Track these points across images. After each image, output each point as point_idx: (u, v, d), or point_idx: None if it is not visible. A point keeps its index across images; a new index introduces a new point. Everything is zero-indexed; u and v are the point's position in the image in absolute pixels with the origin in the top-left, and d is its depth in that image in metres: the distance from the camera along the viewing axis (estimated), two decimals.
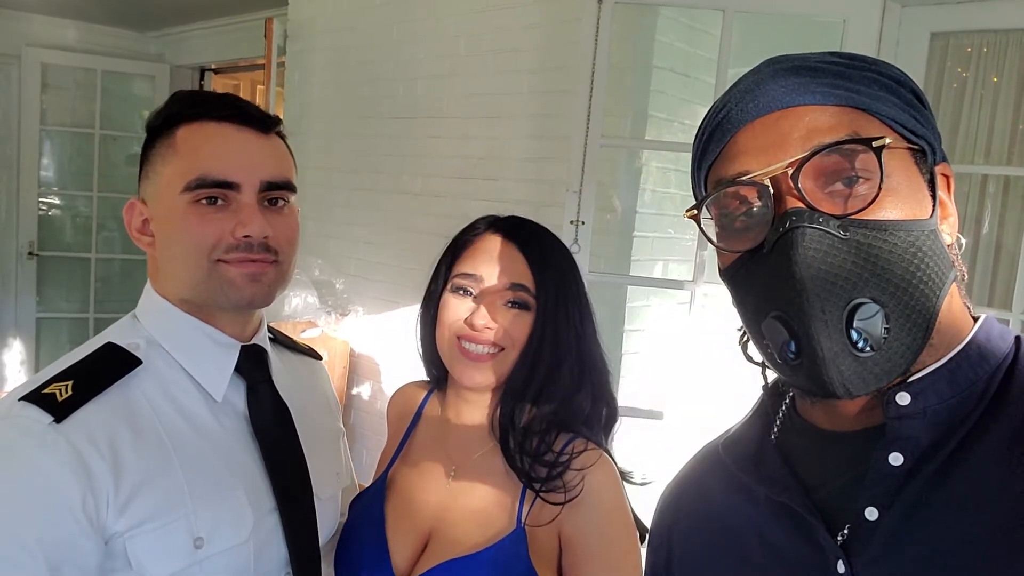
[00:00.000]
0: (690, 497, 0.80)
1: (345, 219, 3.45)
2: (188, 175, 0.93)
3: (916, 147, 0.63)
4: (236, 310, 0.98)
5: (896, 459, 0.59)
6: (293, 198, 1.02)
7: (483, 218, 1.15)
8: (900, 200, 0.60)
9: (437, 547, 1.07)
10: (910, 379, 0.60)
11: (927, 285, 0.59)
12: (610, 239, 2.57)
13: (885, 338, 0.57)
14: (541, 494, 1.03)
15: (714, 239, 0.67)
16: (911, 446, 0.59)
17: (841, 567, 0.60)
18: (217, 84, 5.70)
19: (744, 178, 0.61)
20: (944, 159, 0.66)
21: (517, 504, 1.05)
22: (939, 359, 0.61)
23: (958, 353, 0.61)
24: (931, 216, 0.61)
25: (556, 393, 1.08)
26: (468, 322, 1.06)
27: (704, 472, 0.80)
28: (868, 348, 0.57)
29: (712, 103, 0.70)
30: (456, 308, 1.08)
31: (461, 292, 1.09)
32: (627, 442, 2.70)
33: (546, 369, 1.07)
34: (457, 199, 2.97)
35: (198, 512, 0.90)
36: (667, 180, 2.63)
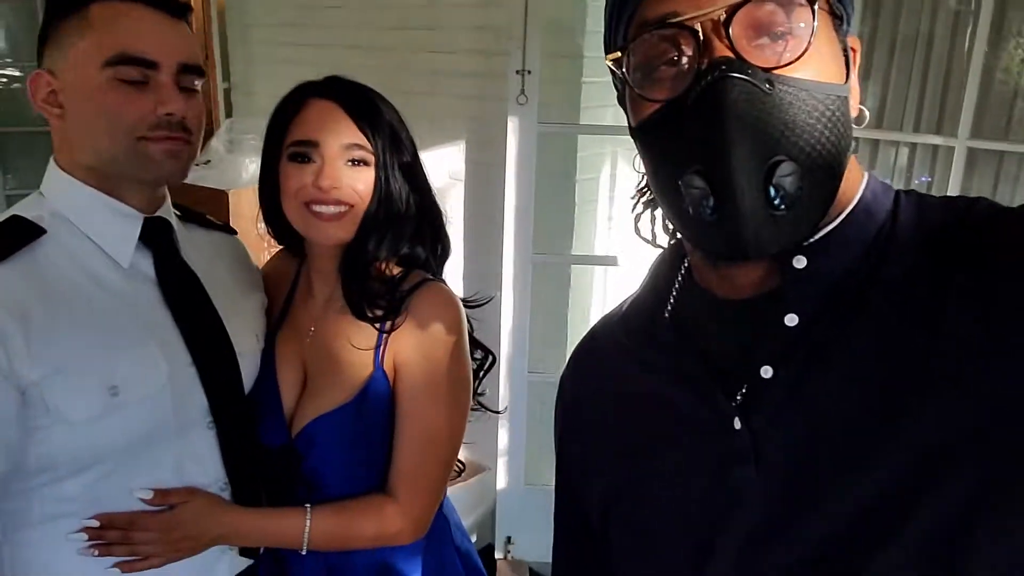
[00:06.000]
0: (591, 368, 0.82)
1: (293, 77, 3.31)
2: (107, 51, 0.96)
3: (836, 14, 0.62)
4: (154, 185, 1.05)
5: (791, 319, 0.61)
6: (199, 83, 1.07)
7: (301, 85, 1.17)
8: (823, 62, 0.60)
9: (308, 399, 1.19)
10: (805, 242, 0.61)
11: (838, 149, 0.59)
12: (558, 88, 2.51)
13: (799, 197, 0.58)
14: (382, 328, 1.13)
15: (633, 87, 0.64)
16: (806, 307, 0.61)
17: (737, 424, 0.62)
18: None
19: (673, 20, 0.59)
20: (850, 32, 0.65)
21: (375, 348, 1.15)
22: (831, 221, 0.62)
23: (848, 214, 0.62)
24: (846, 83, 0.61)
25: (399, 241, 1.17)
26: (315, 185, 1.11)
27: (603, 343, 0.82)
28: (783, 206, 0.57)
29: None
30: (298, 176, 1.12)
31: (300, 159, 1.12)
32: (583, 288, 2.78)
33: (388, 218, 1.15)
34: (404, 52, 2.87)
35: (111, 362, 0.99)
36: None
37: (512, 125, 2.36)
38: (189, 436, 1.07)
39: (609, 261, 2.57)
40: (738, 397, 0.63)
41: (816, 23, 0.58)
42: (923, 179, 2.38)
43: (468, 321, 1.23)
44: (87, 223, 1.02)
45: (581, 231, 2.69)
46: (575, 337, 3.15)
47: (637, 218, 0.78)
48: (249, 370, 1.16)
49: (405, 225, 1.17)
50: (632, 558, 0.73)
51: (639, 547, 0.72)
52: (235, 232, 1.30)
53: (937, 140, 2.31)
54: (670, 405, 0.69)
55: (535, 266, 2.48)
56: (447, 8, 2.71)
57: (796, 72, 0.58)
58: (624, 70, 0.64)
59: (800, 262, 0.61)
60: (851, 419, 0.57)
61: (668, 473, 0.69)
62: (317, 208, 1.12)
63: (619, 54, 0.64)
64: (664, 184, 0.63)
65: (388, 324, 1.14)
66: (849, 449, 0.57)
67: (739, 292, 0.65)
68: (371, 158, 1.13)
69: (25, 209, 1.02)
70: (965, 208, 0.61)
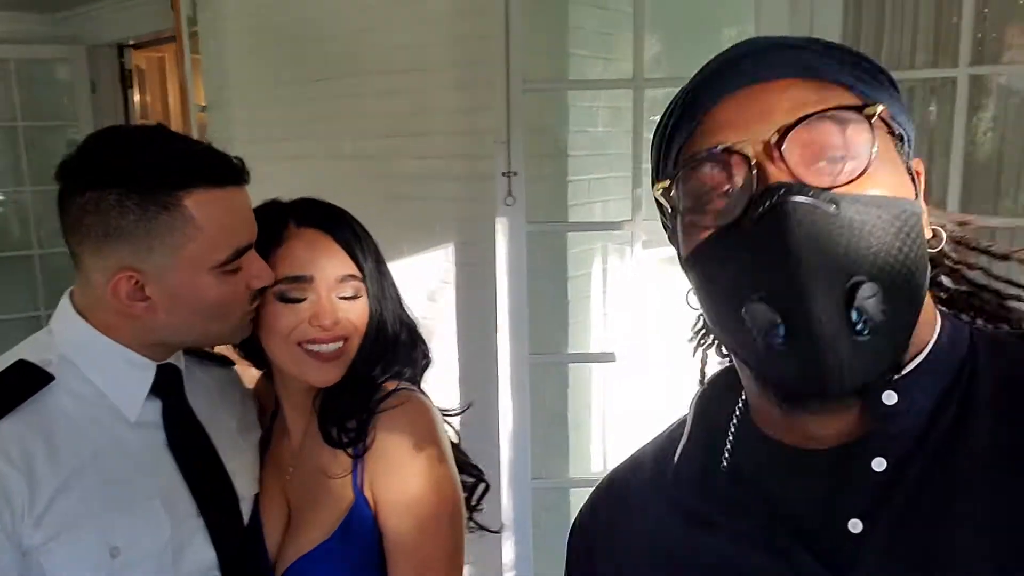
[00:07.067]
0: (614, 519, 0.73)
1: (275, 191, 3.33)
2: (224, 253, 0.94)
3: (896, 134, 0.60)
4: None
5: (879, 464, 0.56)
6: None
7: (272, 209, 1.09)
8: (889, 177, 0.56)
9: (289, 540, 1.09)
10: (895, 377, 0.56)
11: (918, 268, 0.55)
12: (545, 187, 2.51)
13: (883, 321, 0.53)
14: (355, 452, 1.04)
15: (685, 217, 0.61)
16: (894, 448, 0.55)
17: None
18: (139, 59, 5.46)
19: (723, 146, 0.57)
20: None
21: (351, 472, 1.05)
22: (916, 354, 0.57)
23: (934, 346, 0.58)
24: (916, 198, 0.58)
25: (390, 367, 1.09)
26: (314, 324, 1.03)
27: (632, 491, 0.73)
28: (866, 331, 0.52)
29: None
30: (291, 315, 1.04)
31: (290, 299, 1.04)
32: (580, 388, 2.70)
33: (383, 347, 1.09)
34: (389, 159, 2.88)
35: (113, 522, 0.92)
36: (595, 119, 2.56)
37: (501, 226, 2.34)
38: None
39: (607, 358, 2.50)
40: (823, 558, 0.56)
41: (877, 141, 0.55)
42: None
43: (456, 432, 1.14)
44: (97, 373, 0.96)
45: (576, 328, 2.64)
46: (577, 439, 3.05)
47: (702, 362, 0.76)
48: (248, 516, 1.09)
49: (397, 350, 1.10)
50: None
51: None
52: (232, 364, 1.23)
53: None
54: (738, 572, 0.60)
55: (532, 367, 2.41)
56: (436, 114, 2.74)
57: (862, 188, 0.54)
58: (674, 198, 0.61)
59: (890, 397, 0.56)
60: (960, 568, 0.52)
61: None
62: (315, 348, 1.04)
63: (668, 182, 0.61)
64: (725, 316, 0.59)
65: (361, 446, 1.04)
66: None
67: (814, 443, 0.59)
68: (363, 287, 1.07)
69: (32, 352, 0.96)
70: None
